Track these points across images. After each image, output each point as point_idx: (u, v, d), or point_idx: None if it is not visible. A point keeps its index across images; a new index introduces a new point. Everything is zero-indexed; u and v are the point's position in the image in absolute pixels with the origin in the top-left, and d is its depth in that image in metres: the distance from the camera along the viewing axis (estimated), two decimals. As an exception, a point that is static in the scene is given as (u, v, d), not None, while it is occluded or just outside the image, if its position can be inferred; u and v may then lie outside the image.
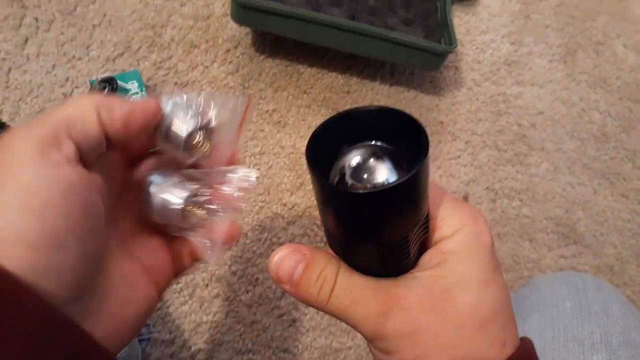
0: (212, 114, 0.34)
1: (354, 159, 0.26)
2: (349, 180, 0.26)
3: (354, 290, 0.28)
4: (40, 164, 0.24)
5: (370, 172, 0.26)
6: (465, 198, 0.80)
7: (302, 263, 0.29)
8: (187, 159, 0.33)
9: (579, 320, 0.57)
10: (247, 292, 0.71)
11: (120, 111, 0.28)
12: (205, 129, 0.33)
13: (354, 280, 0.29)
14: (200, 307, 0.69)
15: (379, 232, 0.26)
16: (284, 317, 0.71)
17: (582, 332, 0.56)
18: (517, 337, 0.29)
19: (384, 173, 0.26)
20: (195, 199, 0.33)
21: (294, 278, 0.29)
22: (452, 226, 0.29)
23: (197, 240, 0.33)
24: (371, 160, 0.26)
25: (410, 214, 0.26)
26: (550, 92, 0.90)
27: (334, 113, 0.27)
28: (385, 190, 0.23)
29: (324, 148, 0.26)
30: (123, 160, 0.32)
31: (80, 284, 0.25)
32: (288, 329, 0.71)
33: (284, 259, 0.30)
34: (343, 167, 0.26)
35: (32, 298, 0.22)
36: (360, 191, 0.23)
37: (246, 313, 0.70)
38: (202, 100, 0.33)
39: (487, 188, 0.81)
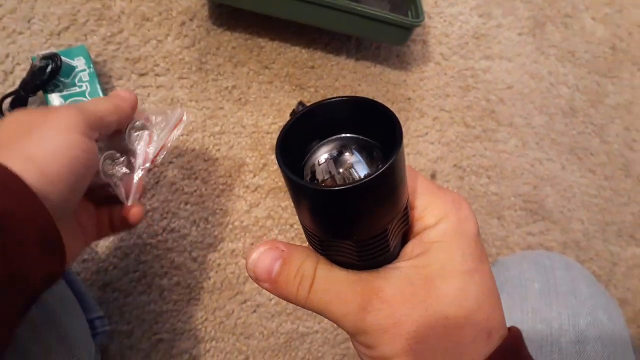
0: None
1: (325, 154, 0.26)
2: (320, 177, 0.25)
3: (333, 285, 0.28)
4: (74, 134, 0.38)
5: (343, 167, 0.25)
6: (433, 176, 0.78)
7: (279, 260, 0.29)
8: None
9: (547, 302, 0.56)
10: (209, 278, 0.68)
11: (124, 113, 0.46)
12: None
13: (333, 274, 0.28)
14: (160, 295, 0.66)
15: (354, 228, 0.25)
16: (248, 303, 0.68)
17: (550, 314, 0.55)
18: (504, 326, 0.29)
19: (357, 167, 0.25)
20: (111, 159, 0.47)
21: (272, 276, 0.29)
22: (435, 215, 0.28)
23: (117, 190, 0.47)
24: (343, 154, 0.25)
25: (387, 208, 0.25)
26: (519, 66, 0.88)
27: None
28: (358, 186, 0.22)
29: (295, 143, 0.25)
30: None
31: (63, 207, 0.37)
32: (252, 314, 0.68)
33: (260, 257, 0.29)
34: (314, 164, 0.26)
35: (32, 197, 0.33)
36: (332, 188, 0.22)
37: (208, 300, 0.67)
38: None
39: (455, 165, 0.79)
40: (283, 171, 0.23)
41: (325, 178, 0.25)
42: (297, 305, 0.29)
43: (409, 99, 0.81)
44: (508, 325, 0.30)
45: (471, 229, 0.28)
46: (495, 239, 0.79)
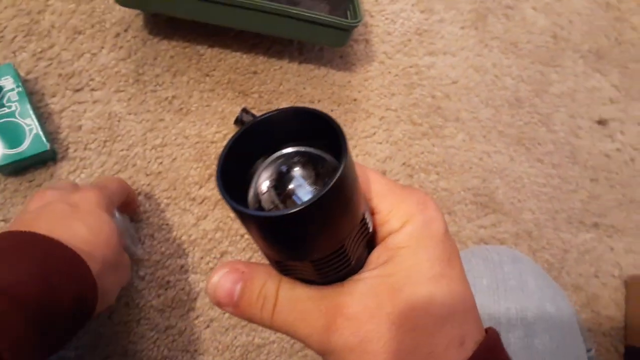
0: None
1: (266, 181, 0.25)
2: (267, 206, 0.24)
3: (296, 304, 0.27)
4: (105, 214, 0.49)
5: (287, 188, 0.24)
6: (383, 176, 0.78)
7: (240, 282, 0.28)
8: None
9: (495, 298, 0.57)
10: (158, 296, 0.66)
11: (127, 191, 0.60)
12: None
13: (296, 293, 0.27)
14: (109, 318, 0.64)
15: (308, 249, 0.24)
16: (200, 319, 0.67)
17: (498, 310, 0.56)
18: (480, 331, 0.27)
19: (299, 193, 0.24)
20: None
21: (234, 299, 0.28)
22: (400, 218, 0.27)
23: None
24: (284, 180, 0.24)
25: (339, 224, 0.23)
26: (463, 60, 0.88)
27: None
28: (303, 210, 0.20)
29: (237, 164, 0.24)
30: None
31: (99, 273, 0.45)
32: (206, 330, 0.67)
33: (220, 281, 0.28)
34: (258, 193, 0.25)
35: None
36: (276, 214, 0.21)
37: (159, 319, 0.66)
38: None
39: (404, 164, 0.79)
40: (226, 201, 0.22)
41: (271, 208, 0.24)
42: (263, 326, 0.28)
43: (355, 100, 0.80)
44: None
45: (438, 229, 0.27)
46: (448, 235, 0.79)
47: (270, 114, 0.24)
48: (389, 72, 0.83)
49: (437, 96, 0.84)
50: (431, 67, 0.86)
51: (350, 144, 0.78)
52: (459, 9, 0.92)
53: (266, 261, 0.29)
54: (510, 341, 0.54)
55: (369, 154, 0.78)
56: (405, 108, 0.82)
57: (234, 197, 0.22)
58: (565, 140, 0.89)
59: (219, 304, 0.29)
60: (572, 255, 0.84)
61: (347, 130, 0.79)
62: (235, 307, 0.28)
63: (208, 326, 0.67)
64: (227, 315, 0.68)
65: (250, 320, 0.28)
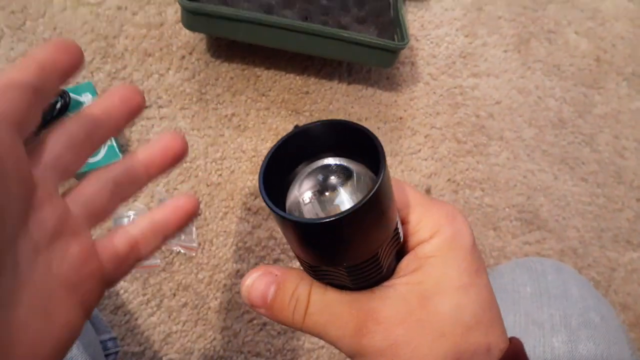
0: None
1: (309, 191, 0.25)
2: (306, 208, 0.25)
3: (328, 307, 0.28)
4: None
5: (328, 197, 0.25)
6: (428, 191, 0.81)
7: (274, 285, 0.29)
8: None
9: (539, 304, 0.58)
10: (216, 298, 0.70)
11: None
12: None
13: (328, 297, 0.28)
14: (169, 317, 0.69)
15: (344, 256, 0.25)
16: (254, 322, 0.71)
17: (541, 316, 0.57)
18: (505, 339, 0.28)
19: (342, 195, 0.25)
20: None
21: (267, 301, 0.29)
22: (429, 229, 0.28)
23: None
24: (327, 181, 0.25)
25: (376, 233, 0.25)
26: (507, 82, 0.91)
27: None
28: (344, 218, 0.22)
29: (279, 170, 0.25)
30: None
31: None
32: (259, 333, 0.71)
33: (254, 283, 0.29)
34: (299, 202, 0.25)
35: None
36: (318, 221, 0.22)
37: (216, 320, 0.70)
38: None
39: (449, 180, 0.82)
40: (268, 205, 0.23)
41: (312, 215, 0.25)
42: (295, 329, 0.29)
43: (401, 118, 0.84)
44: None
45: (466, 241, 0.28)
46: (493, 250, 0.81)
47: (312, 124, 0.25)
48: (434, 93, 0.87)
49: (481, 116, 0.87)
50: (475, 88, 0.89)
51: (396, 160, 0.82)
52: (501, 34, 0.95)
53: (298, 266, 0.30)
54: (554, 345, 0.55)
55: (414, 169, 0.82)
56: (450, 126, 0.85)
57: (274, 202, 0.23)
58: (610, 161, 0.90)
59: (252, 305, 0.29)
60: (620, 274, 0.84)
61: (393, 146, 0.82)
62: (268, 309, 0.29)
63: (261, 329, 0.71)
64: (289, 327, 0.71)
65: (282, 322, 0.29)
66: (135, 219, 0.67)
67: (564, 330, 0.56)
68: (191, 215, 0.31)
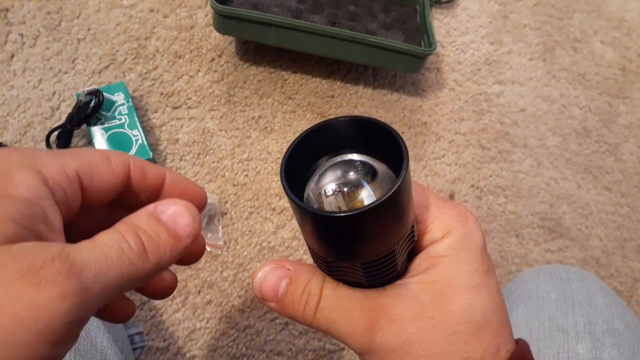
0: None
1: (332, 184, 0.25)
2: (327, 201, 0.25)
3: (340, 303, 0.27)
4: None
5: (350, 191, 0.25)
6: (451, 196, 0.81)
7: (286, 279, 0.28)
8: None
9: (563, 311, 0.58)
10: (239, 297, 0.71)
11: None
12: None
13: (340, 293, 0.28)
14: (194, 313, 0.70)
15: (362, 251, 0.25)
16: (277, 321, 0.72)
17: (566, 322, 0.57)
18: (512, 341, 0.29)
19: (363, 191, 0.25)
20: None
21: (278, 295, 0.28)
22: (441, 229, 0.28)
23: None
24: (348, 176, 0.25)
25: (394, 230, 0.25)
26: (531, 90, 0.91)
27: (318, 117, 0.27)
28: (365, 212, 0.22)
29: (301, 162, 0.25)
30: None
31: None
32: (281, 332, 0.71)
33: (266, 276, 0.29)
34: (321, 193, 0.25)
35: None
36: (340, 214, 0.22)
37: (239, 318, 0.71)
38: None
39: (473, 186, 0.83)
40: (289, 196, 0.23)
41: (333, 209, 0.25)
42: (304, 324, 0.28)
43: (425, 123, 0.85)
44: (525, 336, 0.31)
45: (477, 242, 0.28)
46: (515, 257, 0.81)
47: (337, 119, 0.25)
48: (459, 99, 0.87)
49: (506, 123, 0.88)
50: (500, 95, 0.89)
51: (420, 164, 0.83)
52: (527, 42, 0.95)
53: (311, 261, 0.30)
54: (579, 352, 0.55)
55: (438, 174, 0.82)
56: (475, 133, 0.86)
57: (294, 193, 0.23)
58: (634, 170, 0.90)
59: (263, 298, 0.29)
60: (642, 284, 0.83)
61: (417, 151, 0.83)
62: (279, 303, 0.28)
63: (283, 329, 0.72)
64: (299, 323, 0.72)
65: (293, 317, 0.28)
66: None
67: (589, 337, 0.56)
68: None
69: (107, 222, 0.25)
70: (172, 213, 0.25)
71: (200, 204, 0.29)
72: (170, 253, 0.25)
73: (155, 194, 0.29)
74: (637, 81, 0.96)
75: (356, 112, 0.83)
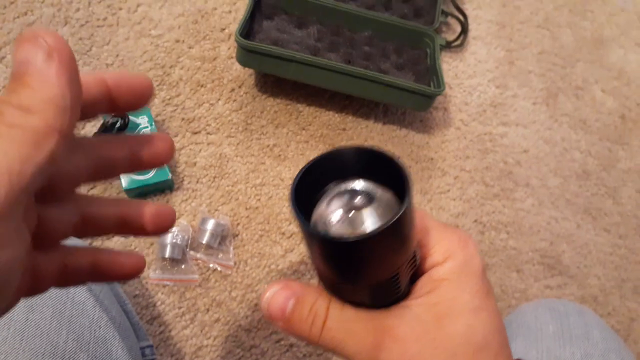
0: None
1: (338, 210, 0.26)
2: (334, 227, 0.26)
3: (345, 323, 0.29)
4: None
5: (355, 216, 0.26)
6: (455, 230, 0.84)
7: (293, 299, 0.29)
8: None
9: (561, 342, 0.60)
10: (247, 317, 0.74)
11: None
12: None
13: (346, 313, 0.29)
14: (201, 331, 0.72)
15: (366, 275, 0.26)
16: (282, 342, 0.73)
17: (563, 353, 0.59)
18: None
19: (368, 217, 0.26)
20: None
21: (285, 314, 0.29)
22: (442, 253, 0.29)
23: None
24: (355, 202, 0.26)
25: (398, 254, 0.26)
26: (534, 132, 0.96)
27: (330, 148, 0.29)
28: (370, 238, 0.23)
29: (309, 187, 0.26)
30: None
31: None
32: (285, 353, 0.73)
33: (274, 296, 0.30)
34: (327, 222, 0.26)
35: None
36: (346, 240, 0.23)
37: (245, 337, 0.73)
38: None
39: (476, 221, 0.86)
40: (298, 220, 0.24)
41: (339, 226, 0.26)
42: (311, 343, 0.29)
43: (432, 159, 0.88)
44: None
45: (477, 266, 0.29)
46: (515, 291, 0.83)
47: (346, 147, 0.27)
48: (465, 138, 0.91)
49: (509, 162, 0.91)
50: (504, 136, 0.93)
51: (425, 198, 0.86)
52: (531, 87, 1.00)
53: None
54: (576, 382, 0.57)
55: (442, 208, 0.86)
56: (479, 170, 0.89)
57: (303, 217, 0.24)
58: (632, 214, 0.93)
59: (270, 317, 0.30)
60: (639, 325, 0.85)
61: (423, 185, 0.86)
62: (286, 322, 0.29)
63: (287, 350, 0.74)
64: (305, 343, 0.74)
65: (299, 336, 0.30)
66: (177, 235, 0.71)
67: (586, 369, 0.58)
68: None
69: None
70: None
71: (142, 91, 0.29)
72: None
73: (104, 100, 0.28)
74: (635, 129, 1.01)
75: (366, 145, 0.87)
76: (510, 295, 0.83)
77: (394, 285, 0.27)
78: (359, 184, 0.27)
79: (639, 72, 1.07)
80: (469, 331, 0.28)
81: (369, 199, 0.26)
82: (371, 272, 0.26)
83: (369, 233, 0.23)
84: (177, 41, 0.88)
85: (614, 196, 0.94)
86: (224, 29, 0.91)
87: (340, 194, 0.27)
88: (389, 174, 0.26)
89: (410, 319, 0.28)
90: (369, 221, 0.25)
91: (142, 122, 0.77)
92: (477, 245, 0.31)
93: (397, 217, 0.23)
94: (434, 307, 0.28)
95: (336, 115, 0.88)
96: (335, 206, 0.26)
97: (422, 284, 0.30)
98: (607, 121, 1.00)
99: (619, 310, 0.85)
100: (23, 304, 0.49)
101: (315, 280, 0.77)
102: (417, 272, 0.30)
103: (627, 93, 1.04)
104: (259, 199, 0.80)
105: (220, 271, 0.74)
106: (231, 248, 0.76)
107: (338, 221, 0.26)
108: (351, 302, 0.29)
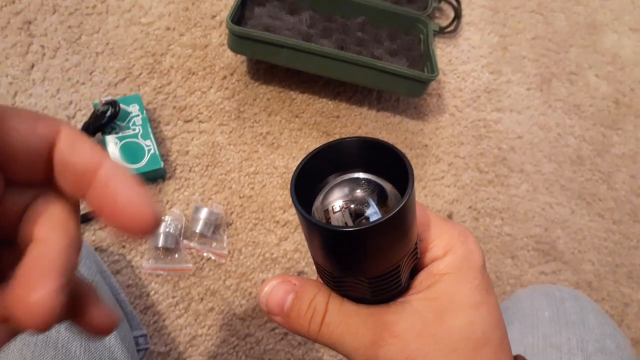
0: None
1: (339, 200, 0.26)
2: (335, 217, 0.26)
3: (345, 319, 0.28)
4: None
5: (357, 208, 0.26)
6: (450, 217, 0.84)
7: (292, 293, 0.29)
8: None
9: (557, 328, 0.60)
10: (241, 305, 0.73)
11: None
12: None
13: (345, 308, 0.29)
14: (196, 320, 0.71)
15: (368, 266, 0.26)
16: (276, 331, 0.73)
17: (559, 339, 0.59)
18: (511, 357, 0.30)
19: (370, 208, 0.26)
20: None
21: (284, 309, 0.29)
22: (442, 247, 0.29)
23: None
24: (356, 193, 0.26)
25: (399, 246, 0.26)
26: (528, 118, 0.95)
27: (324, 136, 0.29)
28: (371, 228, 0.23)
29: (309, 178, 0.26)
30: None
31: None
32: (280, 342, 0.73)
33: (272, 291, 0.29)
34: (328, 209, 0.26)
35: None
36: (348, 229, 0.23)
37: (240, 326, 0.72)
38: None
39: (470, 207, 0.85)
40: (298, 211, 0.24)
41: (340, 224, 0.26)
42: (309, 339, 0.29)
43: (426, 145, 0.88)
44: (520, 351, 0.32)
45: (477, 260, 0.29)
46: (510, 278, 0.83)
47: (347, 139, 0.26)
48: (459, 124, 0.91)
49: (503, 148, 0.91)
50: (498, 122, 0.93)
51: (420, 185, 0.86)
52: (525, 72, 1.00)
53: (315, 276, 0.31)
54: (571, 367, 0.57)
55: (437, 195, 0.85)
56: (473, 156, 0.89)
57: (303, 207, 0.24)
58: (626, 199, 0.93)
59: (269, 312, 0.29)
60: (633, 310, 0.85)
61: (418, 172, 0.86)
62: (285, 317, 0.29)
63: (282, 338, 0.73)
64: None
65: (298, 331, 0.29)
66: (170, 224, 0.70)
67: (581, 354, 0.58)
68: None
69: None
70: None
71: (138, 227, 0.20)
72: None
73: (81, 184, 0.21)
74: (629, 114, 1.00)
75: (360, 133, 0.87)
76: (505, 281, 0.83)
77: (395, 278, 0.27)
78: (359, 175, 0.27)
79: (632, 57, 1.07)
80: (469, 326, 0.28)
81: (370, 189, 0.26)
82: (372, 264, 0.26)
83: (371, 223, 0.23)
84: (168, 29, 0.86)
85: (608, 181, 0.94)
86: (215, 16, 0.89)
87: (340, 184, 0.26)
88: (390, 166, 0.25)
89: (409, 315, 0.28)
90: (370, 212, 0.25)
91: (133, 110, 0.75)
92: (476, 240, 0.31)
93: (399, 208, 0.23)
94: (434, 302, 0.28)
95: (329, 102, 0.88)
96: (335, 197, 0.26)
97: (422, 278, 0.29)
98: (601, 106, 1.00)
99: (613, 296, 0.85)
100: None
101: (310, 271, 0.76)
102: (417, 266, 0.30)
103: (621, 78, 1.04)
104: (252, 188, 0.79)
105: (214, 260, 0.74)
106: (225, 237, 0.75)
107: (338, 212, 0.26)
108: (351, 296, 0.29)
